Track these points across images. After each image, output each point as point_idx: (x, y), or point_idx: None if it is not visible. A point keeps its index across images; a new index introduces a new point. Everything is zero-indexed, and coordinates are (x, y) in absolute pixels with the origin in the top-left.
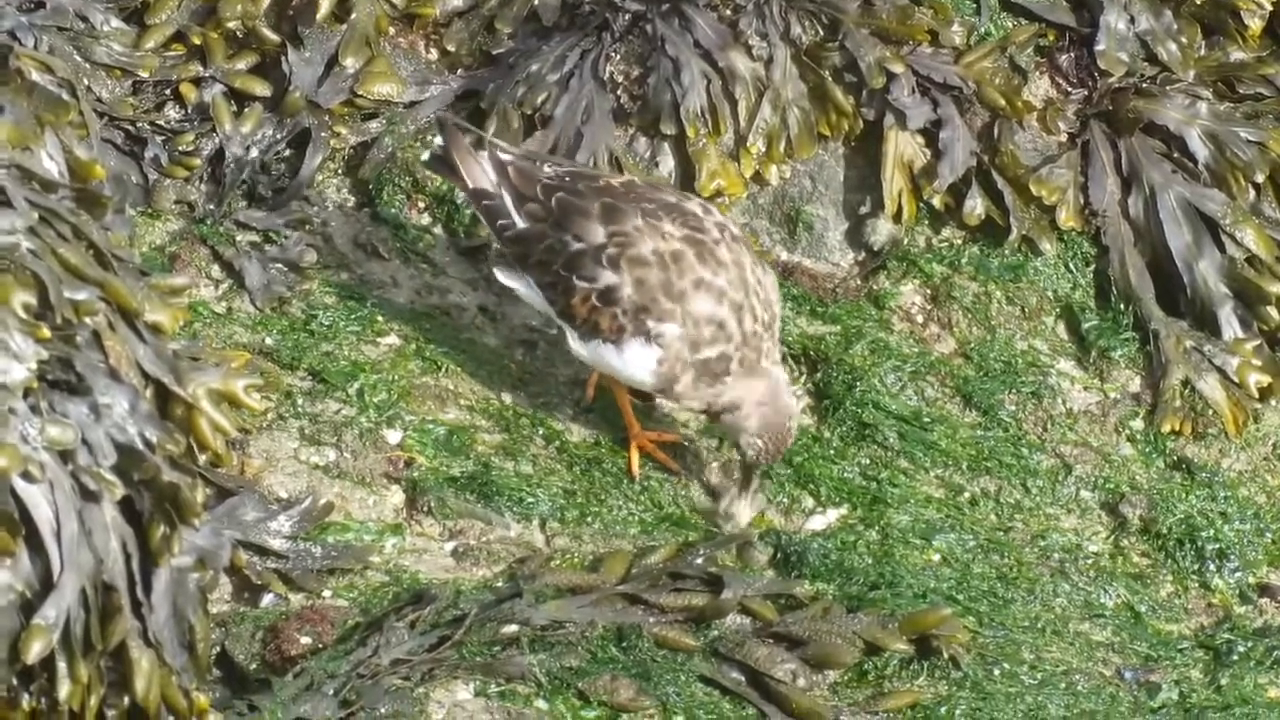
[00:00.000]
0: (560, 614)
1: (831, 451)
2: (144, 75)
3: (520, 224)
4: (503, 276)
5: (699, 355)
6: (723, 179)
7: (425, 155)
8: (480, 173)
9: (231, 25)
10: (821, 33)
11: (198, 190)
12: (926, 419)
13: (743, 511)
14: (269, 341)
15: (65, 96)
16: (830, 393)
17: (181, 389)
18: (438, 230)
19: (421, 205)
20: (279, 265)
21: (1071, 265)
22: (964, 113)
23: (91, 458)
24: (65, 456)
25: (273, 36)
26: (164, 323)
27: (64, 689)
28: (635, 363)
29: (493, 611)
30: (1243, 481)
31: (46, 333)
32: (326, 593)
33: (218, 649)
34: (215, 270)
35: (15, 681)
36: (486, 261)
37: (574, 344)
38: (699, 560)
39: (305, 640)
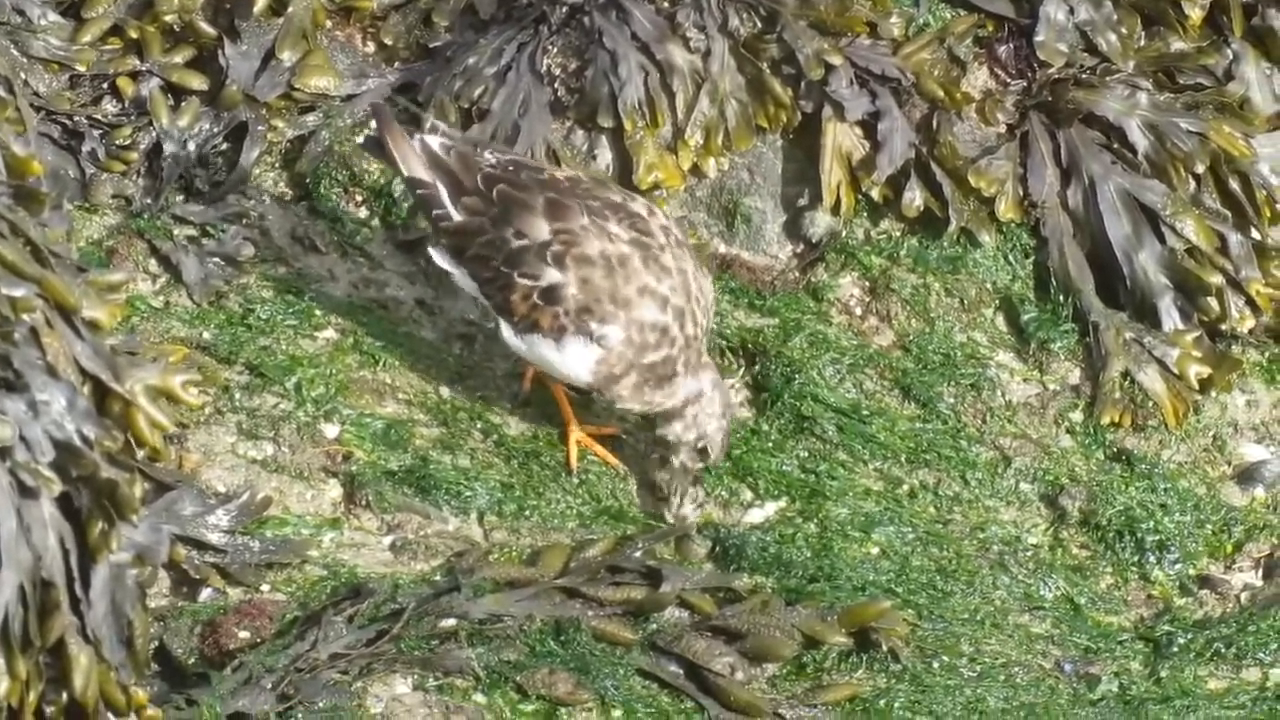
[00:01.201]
0: (498, 608)
1: (770, 444)
2: (81, 69)
3: (456, 216)
4: (439, 259)
5: (644, 360)
6: (660, 171)
7: (361, 137)
8: (416, 160)
9: (168, 19)
10: (759, 25)
11: (135, 184)
12: (865, 411)
13: (689, 512)
14: (206, 336)
15: (2, 93)
16: (769, 385)
17: (119, 385)
18: (375, 223)
19: (359, 198)
20: (216, 259)
21: (1010, 257)
22: (902, 104)
23: (29, 454)
24: (3, 453)
25: (209, 30)
26: (101, 319)
27: (2, 685)
28: (574, 361)
29: (431, 605)
30: (1183, 473)
31: None
32: (265, 587)
33: (156, 643)
34: (153, 264)
35: None
36: (424, 254)
37: (509, 336)
38: (637, 554)
39: (243, 634)
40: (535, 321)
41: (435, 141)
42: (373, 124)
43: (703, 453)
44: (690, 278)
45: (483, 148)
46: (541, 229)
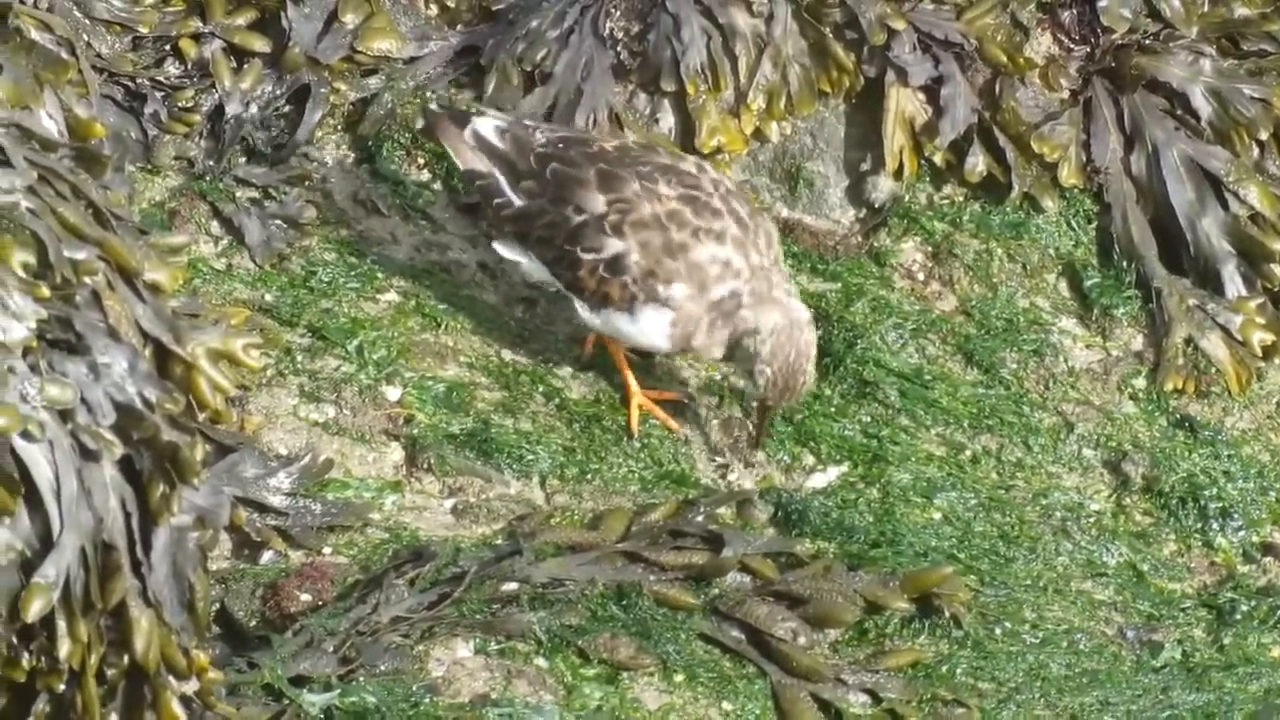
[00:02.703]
0: (560, 572)
1: (832, 409)
2: (143, 31)
3: (517, 202)
4: (503, 250)
5: (709, 296)
6: (723, 135)
7: (420, 123)
8: (469, 154)
9: None
10: None
11: (197, 146)
12: (928, 377)
13: (755, 449)
14: (268, 298)
15: (64, 55)
16: (831, 350)
17: (180, 348)
18: (437, 186)
19: (421, 161)
20: (278, 221)
21: (1073, 223)
22: (965, 69)
23: (91, 417)
24: (64, 415)
25: None
26: (163, 282)
27: (64, 647)
28: (650, 328)
29: (492, 569)
30: (1246, 440)
31: (46, 292)
32: (326, 550)
33: (217, 606)
34: (215, 227)
35: (15, 640)
36: (486, 217)
37: (584, 314)
38: (699, 518)
39: (305, 597)
40: (606, 295)
41: (488, 126)
42: (432, 105)
43: (763, 393)
44: (745, 216)
45: (534, 127)
46: (597, 201)
